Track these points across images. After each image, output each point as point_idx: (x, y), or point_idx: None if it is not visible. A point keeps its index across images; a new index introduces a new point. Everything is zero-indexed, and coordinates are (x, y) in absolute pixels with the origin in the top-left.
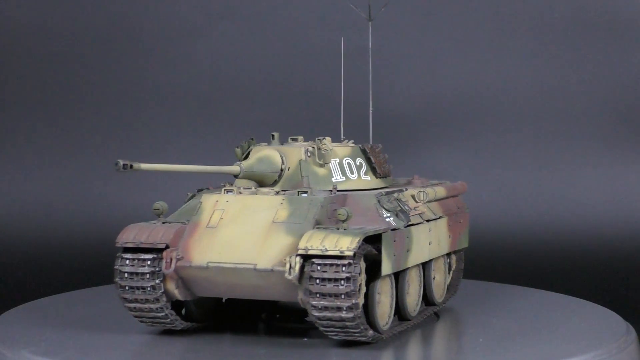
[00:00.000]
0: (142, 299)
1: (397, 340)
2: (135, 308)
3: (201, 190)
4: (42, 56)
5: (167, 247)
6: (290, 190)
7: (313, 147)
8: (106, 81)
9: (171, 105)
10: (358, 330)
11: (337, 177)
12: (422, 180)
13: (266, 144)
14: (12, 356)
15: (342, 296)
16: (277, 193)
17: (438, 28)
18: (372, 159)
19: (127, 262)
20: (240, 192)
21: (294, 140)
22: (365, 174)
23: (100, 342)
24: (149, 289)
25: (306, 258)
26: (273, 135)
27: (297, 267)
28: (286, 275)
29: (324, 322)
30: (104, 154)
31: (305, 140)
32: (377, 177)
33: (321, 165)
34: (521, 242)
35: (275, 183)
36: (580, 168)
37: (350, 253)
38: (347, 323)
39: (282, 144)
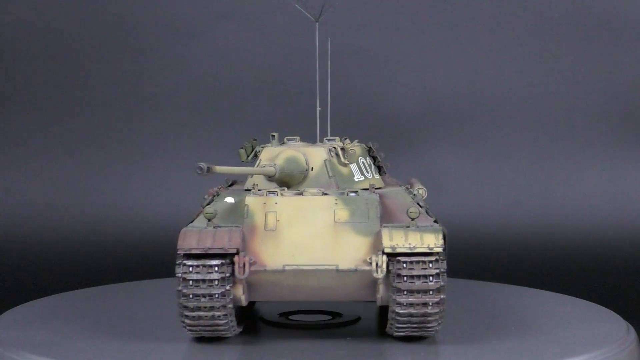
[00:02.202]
0: (207, 307)
1: (380, 344)
2: (196, 317)
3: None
4: (41, 56)
5: (237, 251)
6: (335, 191)
7: (335, 147)
8: (106, 81)
9: (171, 105)
10: (435, 324)
11: (358, 177)
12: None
13: (270, 145)
14: (12, 356)
15: (431, 292)
16: (325, 194)
17: (438, 28)
18: (378, 158)
19: (191, 268)
20: (282, 194)
21: (291, 140)
22: (375, 172)
23: (101, 342)
24: (217, 296)
25: (390, 256)
26: (273, 136)
27: (384, 266)
28: (374, 274)
29: (403, 318)
30: (104, 154)
31: (302, 140)
32: (381, 176)
33: (344, 165)
34: (521, 242)
35: (299, 183)
36: (581, 168)
37: (440, 249)
38: (429, 318)
39: (281, 144)
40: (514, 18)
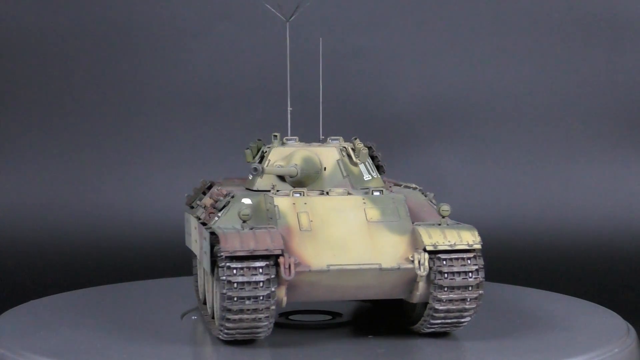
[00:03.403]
0: (250, 309)
1: (402, 341)
2: (237, 320)
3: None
4: (41, 56)
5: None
6: (359, 190)
7: (345, 147)
8: (105, 81)
9: (170, 106)
10: (469, 319)
11: (366, 176)
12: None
13: (274, 145)
14: (12, 356)
15: (470, 288)
16: (349, 193)
17: (437, 28)
18: (377, 157)
19: (235, 271)
20: (307, 194)
21: (290, 140)
22: (377, 172)
23: (101, 342)
24: (262, 298)
25: (430, 253)
26: (275, 136)
27: (427, 264)
28: (417, 272)
29: (440, 314)
30: (104, 154)
31: (301, 140)
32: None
33: (355, 165)
34: (520, 242)
35: (313, 183)
36: (581, 168)
37: (479, 246)
38: (465, 314)
39: (282, 145)
40: (513, 18)
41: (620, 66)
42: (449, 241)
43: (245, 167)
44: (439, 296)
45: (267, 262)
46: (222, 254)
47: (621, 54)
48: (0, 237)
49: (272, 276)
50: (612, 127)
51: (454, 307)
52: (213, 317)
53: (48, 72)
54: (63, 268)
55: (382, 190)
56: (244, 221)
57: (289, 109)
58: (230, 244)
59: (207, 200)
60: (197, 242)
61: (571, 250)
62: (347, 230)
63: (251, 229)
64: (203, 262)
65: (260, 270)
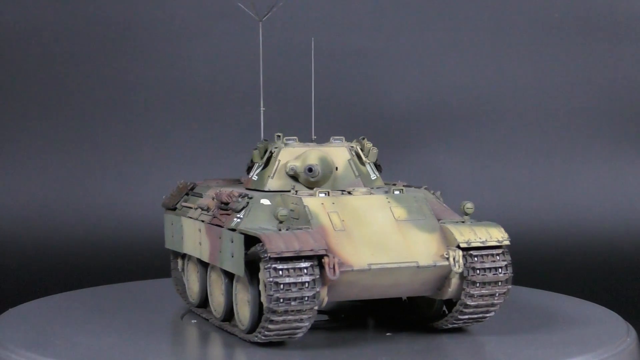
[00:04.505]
0: (294, 310)
1: (413, 341)
2: (281, 321)
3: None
4: (41, 56)
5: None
6: (380, 189)
7: (353, 147)
8: (105, 81)
9: (169, 106)
10: (492, 314)
11: (373, 175)
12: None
13: (283, 145)
14: (12, 356)
15: (500, 283)
16: (371, 193)
17: (438, 28)
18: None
19: (281, 272)
20: (332, 194)
21: (290, 140)
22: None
23: (101, 342)
24: (307, 298)
25: (463, 250)
26: (279, 136)
27: (461, 260)
28: (453, 268)
29: (470, 310)
30: (104, 154)
31: (300, 140)
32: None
33: (363, 165)
34: (520, 242)
35: (325, 183)
36: (581, 168)
37: (508, 242)
38: (492, 309)
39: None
40: (513, 18)
41: (620, 66)
42: (479, 238)
43: (241, 166)
44: (471, 292)
45: (312, 263)
46: (266, 255)
47: (621, 53)
48: (0, 237)
49: (317, 276)
50: (613, 127)
51: (483, 302)
52: (225, 320)
53: (48, 72)
54: (63, 268)
55: (402, 189)
56: (281, 222)
57: (262, 109)
58: (276, 245)
59: (207, 201)
60: (200, 244)
61: (571, 250)
62: (378, 229)
63: (287, 229)
64: (227, 264)
65: (305, 270)
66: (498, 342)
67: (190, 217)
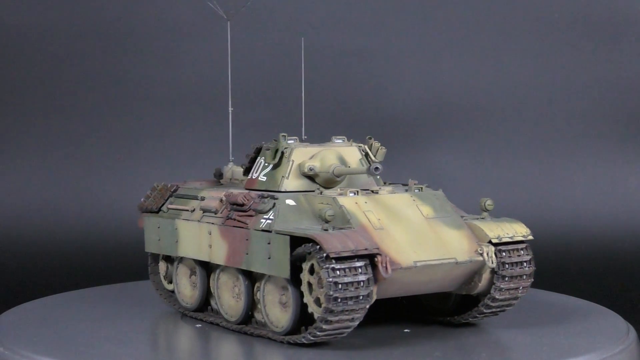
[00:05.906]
0: (349, 310)
1: (409, 338)
2: (336, 321)
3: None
4: (41, 56)
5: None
6: (399, 188)
7: (361, 146)
8: (105, 81)
9: (170, 105)
10: (511, 307)
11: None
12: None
13: (296, 145)
14: (12, 356)
15: (525, 277)
16: (394, 192)
17: (438, 28)
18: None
19: (339, 272)
20: (360, 194)
21: (291, 140)
22: None
23: (100, 341)
24: (362, 297)
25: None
26: (284, 136)
27: (494, 255)
28: (488, 263)
29: (497, 303)
30: (104, 154)
31: (300, 140)
32: None
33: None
34: None
35: (339, 182)
36: (581, 168)
37: (531, 237)
38: (515, 302)
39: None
40: (513, 18)
41: (621, 66)
42: (507, 234)
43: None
44: (501, 286)
45: (365, 262)
46: (322, 255)
47: (622, 53)
48: (0, 237)
49: (371, 275)
50: (613, 127)
51: (509, 295)
52: (241, 323)
53: (48, 72)
54: (63, 268)
55: (421, 188)
56: (328, 222)
57: (230, 109)
58: (333, 245)
59: (213, 203)
60: (211, 247)
61: (571, 249)
62: (412, 227)
63: (334, 229)
64: (258, 266)
65: (360, 269)
66: (497, 342)
67: (189, 220)
